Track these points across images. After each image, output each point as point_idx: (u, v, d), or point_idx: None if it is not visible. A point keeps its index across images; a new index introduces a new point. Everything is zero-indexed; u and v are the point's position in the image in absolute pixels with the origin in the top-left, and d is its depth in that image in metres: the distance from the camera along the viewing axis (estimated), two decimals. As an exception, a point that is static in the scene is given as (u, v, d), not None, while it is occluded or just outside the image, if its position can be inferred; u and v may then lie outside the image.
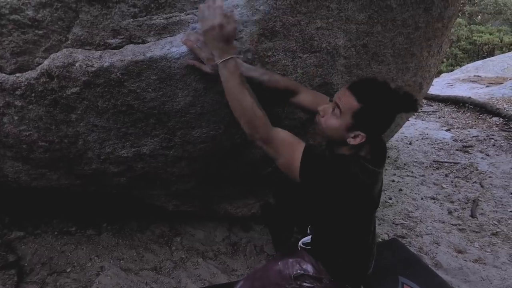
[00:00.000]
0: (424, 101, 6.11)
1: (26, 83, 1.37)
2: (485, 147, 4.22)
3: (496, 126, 4.78)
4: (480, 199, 3.13)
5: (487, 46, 18.00)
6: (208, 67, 1.36)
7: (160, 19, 1.32)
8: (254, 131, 1.35)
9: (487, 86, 6.94)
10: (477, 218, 2.84)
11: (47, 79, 1.36)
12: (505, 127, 4.71)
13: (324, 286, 1.54)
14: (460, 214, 2.91)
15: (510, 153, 3.99)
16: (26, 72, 1.37)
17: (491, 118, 5.07)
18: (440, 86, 7.49)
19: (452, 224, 2.76)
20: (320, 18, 1.53)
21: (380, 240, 2.48)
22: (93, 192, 2.12)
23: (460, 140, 4.45)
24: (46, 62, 1.33)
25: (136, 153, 1.69)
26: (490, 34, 18.86)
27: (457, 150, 4.20)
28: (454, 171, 3.69)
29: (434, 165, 3.83)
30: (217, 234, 2.54)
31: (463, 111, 5.52)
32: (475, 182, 3.45)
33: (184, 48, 1.35)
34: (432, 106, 5.95)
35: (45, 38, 1.30)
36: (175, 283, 2.07)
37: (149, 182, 1.95)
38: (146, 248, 2.35)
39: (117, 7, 1.27)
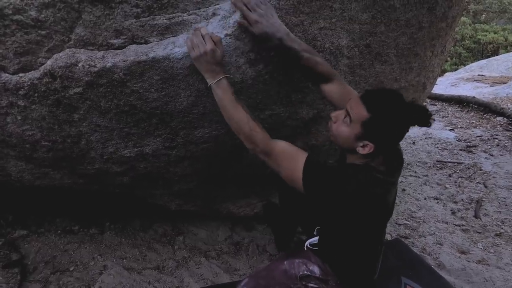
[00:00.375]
0: (428, 100, 6.08)
1: (29, 83, 1.38)
2: (489, 147, 4.20)
3: (500, 126, 4.75)
4: (483, 199, 3.12)
5: (491, 45, 17.91)
6: (255, 28, 1.35)
7: (163, 20, 1.32)
8: (254, 145, 1.39)
9: (491, 86, 6.90)
10: (480, 219, 2.83)
11: (50, 79, 1.37)
12: (509, 127, 4.68)
13: (330, 288, 1.54)
14: (463, 215, 2.90)
15: (514, 153, 3.98)
16: (29, 72, 1.37)
17: (495, 117, 5.04)
18: (444, 85, 7.45)
19: (456, 225, 2.75)
20: (323, 18, 1.53)
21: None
22: (96, 191, 2.12)
23: (464, 140, 4.43)
24: (49, 62, 1.34)
25: (138, 153, 1.69)
26: (495, 33, 18.76)
27: (460, 150, 4.18)
28: (458, 171, 3.68)
29: (438, 165, 3.82)
30: (219, 233, 2.54)
31: (467, 111, 5.50)
32: (478, 182, 3.43)
33: (186, 49, 1.35)
34: (435, 105, 5.93)
35: (48, 38, 1.31)
36: (177, 283, 2.08)
37: (151, 181, 1.96)
38: (149, 247, 2.35)
39: (119, 7, 1.27)
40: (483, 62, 9.55)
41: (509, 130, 4.59)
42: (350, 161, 1.46)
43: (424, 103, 5.20)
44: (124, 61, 1.33)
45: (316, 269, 1.55)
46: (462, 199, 3.12)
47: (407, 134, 1.41)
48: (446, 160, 3.91)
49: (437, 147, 4.26)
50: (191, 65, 1.38)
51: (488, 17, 23.24)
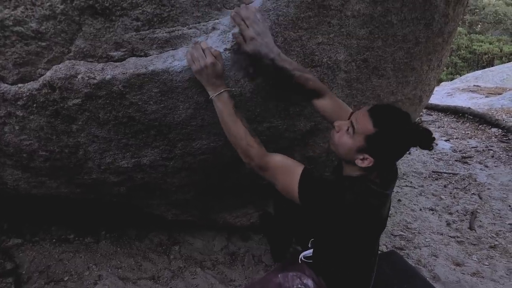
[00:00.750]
0: (424, 110, 6.12)
1: (28, 93, 1.38)
2: (484, 158, 4.23)
3: (495, 137, 4.79)
4: (478, 211, 3.13)
5: (486, 56, 18.09)
6: (248, 46, 1.36)
7: (163, 33, 1.33)
8: (249, 159, 1.40)
9: (486, 96, 6.96)
10: (475, 231, 2.85)
11: (49, 90, 1.37)
12: (504, 138, 4.72)
13: (324, 302, 1.54)
14: (458, 226, 2.91)
15: (508, 164, 4.00)
16: (28, 83, 1.37)
17: (490, 129, 5.08)
18: (440, 95, 7.51)
19: (451, 236, 2.77)
20: (321, 34, 1.54)
21: (379, 251, 2.48)
22: (92, 200, 2.12)
23: (459, 151, 4.46)
24: (48, 73, 1.34)
25: (136, 163, 1.69)
26: (490, 43, 18.97)
27: (456, 160, 4.21)
28: (453, 182, 3.70)
29: (433, 176, 3.84)
30: (215, 243, 2.54)
31: (463, 121, 5.54)
32: (473, 193, 3.45)
33: (186, 62, 1.36)
34: (431, 115, 5.97)
35: (48, 49, 1.31)
36: (172, 293, 2.08)
37: (149, 191, 1.96)
38: (144, 257, 2.34)
39: (120, 20, 1.28)
40: (478, 72, 9.64)
41: (503, 142, 4.62)
42: (346, 172, 1.47)
43: (421, 113, 5.24)
44: (124, 73, 1.33)
45: (310, 283, 1.55)
46: (457, 210, 3.14)
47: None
48: (441, 170, 3.94)
49: (433, 158, 4.28)
50: (190, 78, 1.39)
51: (484, 27, 23.48)
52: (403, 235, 2.75)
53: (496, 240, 2.72)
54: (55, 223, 2.48)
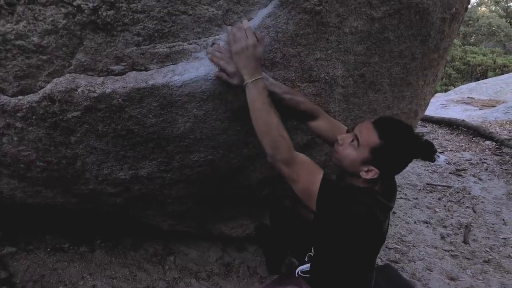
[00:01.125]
0: (418, 121, 6.17)
1: (27, 105, 1.38)
2: (478, 171, 4.26)
3: (489, 150, 4.84)
4: (472, 224, 3.16)
5: (480, 67, 18.30)
6: (235, 80, 1.36)
7: (163, 48, 1.34)
8: (276, 151, 1.35)
9: (480, 109, 7.04)
10: (469, 245, 2.87)
11: (49, 103, 1.37)
12: (498, 151, 4.76)
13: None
14: (452, 240, 2.93)
15: (502, 178, 4.04)
16: (28, 95, 1.38)
17: (484, 141, 5.13)
18: (434, 106, 7.57)
19: (445, 250, 2.78)
20: (319, 50, 1.57)
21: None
22: (88, 209, 2.11)
23: (454, 163, 4.50)
24: (48, 86, 1.35)
25: (133, 175, 1.70)
26: (484, 55, 19.19)
27: (450, 173, 4.24)
28: (447, 194, 3.73)
29: (428, 188, 3.87)
30: (210, 254, 2.54)
31: (457, 134, 5.59)
32: (467, 207, 3.48)
33: (186, 77, 1.37)
34: (426, 127, 6.02)
35: (48, 63, 1.32)
36: (167, 305, 2.07)
37: (145, 202, 1.96)
38: (139, 267, 2.34)
39: (121, 35, 1.29)
40: (472, 84, 9.75)
41: (497, 155, 4.67)
42: (350, 182, 1.48)
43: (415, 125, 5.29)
44: (124, 87, 1.34)
45: (307, 297, 1.56)
46: (451, 224, 3.16)
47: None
48: (436, 183, 3.97)
49: (427, 170, 4.31)
50: (190, 92, 1.40)
51: (478, 39, 23.77)
52: (398, 248, 2.76)
53: (490, 255, 2.74)
54: (50, 232, 2.47)
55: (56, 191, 1.87)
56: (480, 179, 4.06)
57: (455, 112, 6.90)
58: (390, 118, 1.47)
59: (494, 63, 18.06)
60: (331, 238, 1.48)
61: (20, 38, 1.24)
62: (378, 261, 2.56)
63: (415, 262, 2.60)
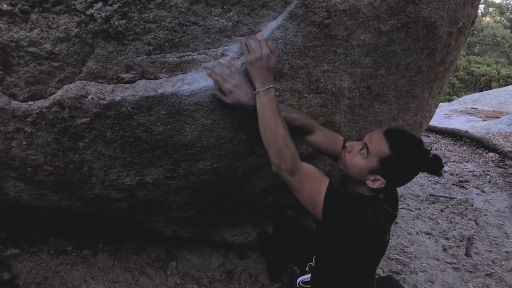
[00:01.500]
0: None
1: (37, 111, 1.40)
2: (481, 183, 4.26)
3: (492, 162, 4.83)
4: (475, 237, 3.15)
5: (484, 78, 18.30)
6: (229, 98, 1.39)
7: (173, 57, 1.36)
8: (282, 161, 1.36)
9: (484, 120, 7.03)
10: (471, 257, 2.86)
11: (59, 109, 1.39)
12: (501, 163, 4.76)
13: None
14: (455, 252, 2.92)
15: (505, 190, 4.03)
16: (39, 101, 1.40)
17: (487, 153, 5.12)
18: (437, 116, 7.57)
19: (447, 262, 2.78)
20: (327, 62, 1.58)
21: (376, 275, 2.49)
22: (92, 213, 2.13)
23: (456, 175, 4.49)
24: (59, 92, 1.37)
25: (139, 181, 1.71)
26: (488, 65, 19.20)
27: (453, 184, 4.24)
28: (450, 206, 3.72)
29: (430, 199, 3.86)
30: (212, 260, 2.54)
31: (460, 144, 5.58)
32: (470, 219, 3.48)
33: (195, 86, 1.38)
34: (429, 137, 6.01)
35: (59, 70, 1.34)
36: (168, 311, 2.07)
37: (150, 208, 1.97)
38: (142, 272, 2.34)
39: (132, 44, 1.30)
40: (476, 95, 9.74)
41: (500, 167, 4.66)
42: (353, 189, 1.50)
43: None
44: (133, 95, 1.36)
45: (309, 307, 1.56)
46: (453, 236, 3.15)
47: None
48: (438, 194, 3.96)
49: (430, 180, 4.31)
50: (198, 101, 1.42)
51: (482, 49, 23.79)
52: (400, 259, 2.76)
53: (492, 268, 2.73)
54: (53, 234, 2.48)
55: (62, 194, 1.88)
56: (483, 191, 4.05)
57: (459, 123, 6.89)
58: (400, 130, 1.48)
59: (498, 74, 18.07)
60: (334, 247, 1.48)
61: (33, 45, 1.26)
62: (380, 272, 2.56)
63: (416, 274, 2.60)
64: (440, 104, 9.86)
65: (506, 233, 3.22)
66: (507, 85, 13.13)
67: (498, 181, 4.28)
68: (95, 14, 1.22)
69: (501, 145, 5.28)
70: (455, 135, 5.86)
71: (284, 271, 2.34)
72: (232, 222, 2.35)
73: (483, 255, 2.91)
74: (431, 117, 2.63)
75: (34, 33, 1.24)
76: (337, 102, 1.76)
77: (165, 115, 1.43)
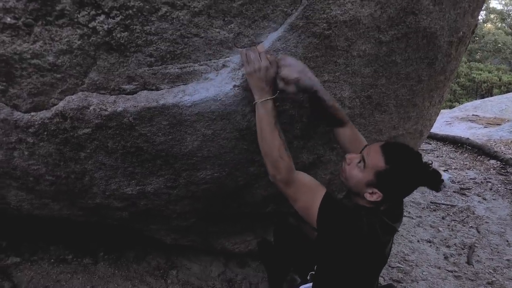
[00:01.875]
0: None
1: (40, 122, 1.41)
2: (482, 190, 4.25)
3: (494, 169, 4.82)
4: (476, 245, 3.14)
5: (485, 84, 18.30)
6: (291, 87, 1.40)
7: (175, 69, 1.37)
8: (277, 171, 1.38)
9: (485, 127, 7.03)
10: (473, 266, 2.85)
11: (61, 120, 1.40)
12: (502, 171, 4.75)
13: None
14: (456, 260, 2.91)
15: (506, 198, 4.02)
16: (41, 112, 1.41)
17: (488, 160, 5.12)
18: (438, 123, 7.57)
19: (448, 270, 2.77)
20: (327, 72, 1.59)
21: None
22: (93, 222, 2.13)
23: (458, 182, 4.49)
24: (61, 103, 1.38)
25: (140, 191, 1.72)
26: (489, 72, 19.20)
27: (454, 192, 4.23)
28: (451, 214, 3.71)
29: (431, 207, 3.86)
30: (212, 268, 2.54)
31: (461, 152, 5.58)
32: (471, 226, 3.47)
33: (196, 97, 1.39)
34: (430, 144, 6.01)
35: (62, 81, 1.35)
36: (169, 320, 2.07)
37: (150, 217, 1.97)
38: (142, 280, 2.34)
39: (134, 56, 1.32)
40: (477, 102, 9.75)
41: (502, 174, 4.65)
42: (356, 202, 1.49)
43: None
44: (135, 106, 1.37)
45: (309, 317, 1.56)
46: (455, 244, 3.15)
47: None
48: (439, 201, 3.95)
49: (431, 188, 4.30)
50: (199, 112, 1.43)
51: (483, 55, 23.82)
52: (401, 267, 2.75)
53: (494, 276, 2.72)
54: (54, 243, 2.48)
55: (63, 204, 1.89)
56: (485, 199, 4.04)
57: (460, 130, 6.89)
58: (399, 143, 1.48)
59: (500, 80, 18.08)
60: (333, 257, 1.49)
61: (36, 57, 1.27)
62: (381, 280, 2.55)
63: (418, 282, 2.59)
64: (441, 111, 9.87)
65: (507, 241, 3.21)
66: (509, 92, 13.14)
67: (499, 188, 4.27)
68: (97, 27, 1.23)
69: (502, 152, 5.27)
70: (456, 142, 5.86)
71: (284, 279, 2.33)
72: (232, 230, 2.35)
73: (484, 263, 2.90)
74: (432, 126, 2.64)
75: (37, 46, 1.25)
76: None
77: (166, 125, 1.44)
